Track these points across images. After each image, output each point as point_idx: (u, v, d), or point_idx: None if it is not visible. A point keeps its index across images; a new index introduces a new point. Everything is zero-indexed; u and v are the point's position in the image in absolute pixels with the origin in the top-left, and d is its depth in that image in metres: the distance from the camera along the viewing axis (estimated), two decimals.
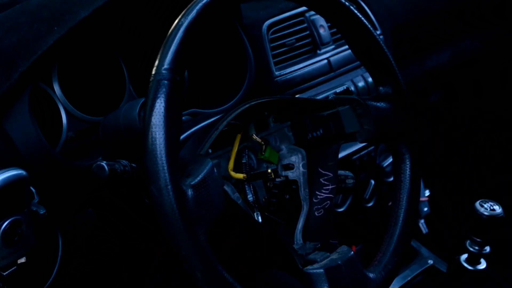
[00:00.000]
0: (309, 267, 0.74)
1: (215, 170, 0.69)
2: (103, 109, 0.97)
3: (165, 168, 0.62)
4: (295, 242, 0.87)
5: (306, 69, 1.20)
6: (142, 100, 0.81)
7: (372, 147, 1.29)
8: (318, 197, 0.90)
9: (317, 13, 1.12)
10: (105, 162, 0.76)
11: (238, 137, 0.85)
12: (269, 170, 0.86)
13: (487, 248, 1.28)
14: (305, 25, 1.21)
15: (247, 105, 0.81)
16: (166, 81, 0.63)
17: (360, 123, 0.86)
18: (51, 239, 0.88)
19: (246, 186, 0.86)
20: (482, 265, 1.29)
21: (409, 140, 0.86)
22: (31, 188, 0.77)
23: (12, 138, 0.81)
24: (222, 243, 0.75)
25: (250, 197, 0.86)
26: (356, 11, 0.81)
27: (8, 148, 0.80)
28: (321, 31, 1.22)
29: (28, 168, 0.75)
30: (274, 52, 1.17)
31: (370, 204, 1.35)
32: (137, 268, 1.08)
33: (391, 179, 1.35)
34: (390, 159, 1.34)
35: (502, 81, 1.70)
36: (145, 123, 0.63)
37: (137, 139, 0.80)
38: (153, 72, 0.64)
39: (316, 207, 0.90)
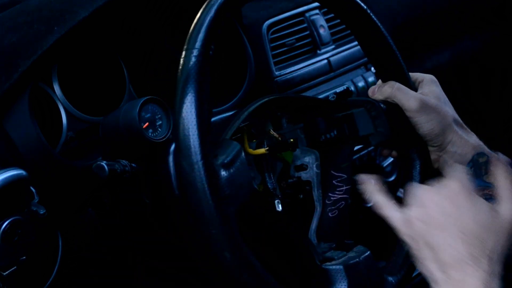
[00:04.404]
0: (327, 263, 0.74)
1: (243, 153, 0.69)
2: (103, 109, 0.97)
3: (197, 143, 0.61)
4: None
5: (306, 69, 1.20)
6: (142, 100, 0.81)
7: (372, 147, 1.29)
8: (331, 198, 0.89)
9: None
10: (105, 162, 0.76)
11: (244, 134, 0.86)
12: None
13: None
14: (305, 25, 1.21)
15: (266, 99, 0.81)
16: (197, 57, 0.65)
17: (374, 126, 0.84)
18: (51, 239, 0.88)
19: (266, 175, 0.86)
20: None
21: (420, 145, 0.86)
22: (31, 188, 0.77)
23: (12, 138, 0.81)
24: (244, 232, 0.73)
25: (270, 184, 0.86)
26: (373, 15, 0.81)
27: (8, 148, 0.80)
28: (321, 31, 1.22)
29: (28, 168, 0.75)
30: (274, 52, 1.16)
31: (370, 204, 1.35)
32: (137, 268, 1.08)
33: (391, 179, 1.35)
34: (390, 159, 1.34)
35: (502, 81, 1.70)
36: (177, 100, 0.63)
37: (137, 139, 0.80)
38: (185, 49, 0.65)
39: (329, 208, 0.89)
